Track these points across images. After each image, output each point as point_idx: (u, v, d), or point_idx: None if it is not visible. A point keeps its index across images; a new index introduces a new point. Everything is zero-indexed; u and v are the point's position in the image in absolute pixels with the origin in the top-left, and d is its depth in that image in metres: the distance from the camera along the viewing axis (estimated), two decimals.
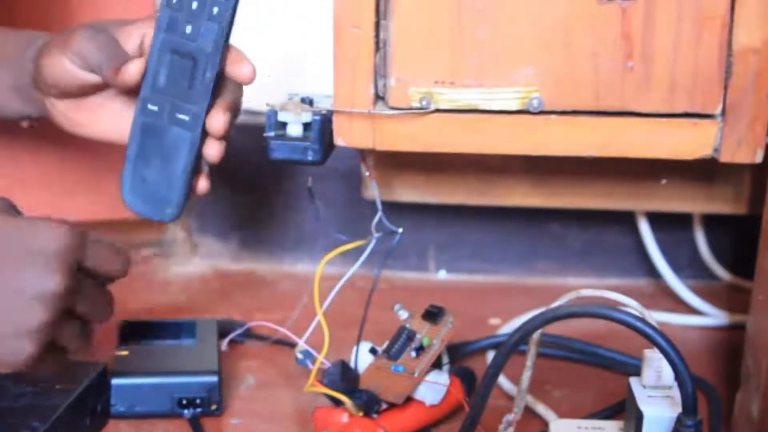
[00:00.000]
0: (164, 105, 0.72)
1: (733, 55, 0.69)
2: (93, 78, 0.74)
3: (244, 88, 0.75)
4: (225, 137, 0.73)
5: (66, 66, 0.73)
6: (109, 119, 0.77)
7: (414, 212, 1.07)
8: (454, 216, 1.09)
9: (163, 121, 0.72)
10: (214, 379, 0.82)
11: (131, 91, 0.74)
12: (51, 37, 0.77)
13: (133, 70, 0.71)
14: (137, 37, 0.74)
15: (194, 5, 0.71)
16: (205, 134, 0.73)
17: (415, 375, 0.78)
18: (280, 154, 0.74)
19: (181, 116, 0.72)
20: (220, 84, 0.73)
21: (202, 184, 0.75)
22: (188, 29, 0.71)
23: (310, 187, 0.79)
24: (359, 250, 0.78)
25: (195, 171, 0.74)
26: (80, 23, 0.76)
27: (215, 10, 0.71)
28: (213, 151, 0.73)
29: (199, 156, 0.73)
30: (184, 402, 0.82)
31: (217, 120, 0.72)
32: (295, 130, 0.74)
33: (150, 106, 0.72)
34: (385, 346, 0.80)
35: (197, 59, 0.71)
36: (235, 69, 0.72)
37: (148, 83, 0.72)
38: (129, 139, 0.73)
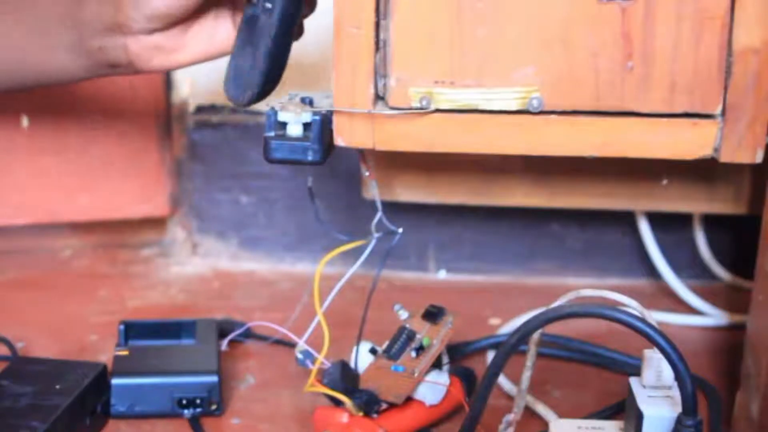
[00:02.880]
0: None
1: (733, 55, 0.69)
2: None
3: None
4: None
5: None
6: (203, 38, 0.80)
7: (414, 212, 1.07)
8: (454, 216, 1.09)
9: (257, 10, 0.75)
10: (214, 379, 0.82)
11: (225, 3, 0.78)
12: None
13: None
14: None
15: None
16: (288, 23, 0.75)
17: (415, 375, 0.78)
18: (280, 154, 0.74)
19: (268, 4, 0.75)
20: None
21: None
22: None
23: (310, 187, 0.79)
24: (359, 250, 0.78)
25: (275, 56, 0.76)
26: None
27: None
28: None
29: (279, 42, 0.75)
30: (184, 402, 0.82)
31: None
32: (295, 130, 0.74)
33: None
34: (385, 346, 0.80)
35: None
36: None
37: None
38: (237, 33, 0.77)
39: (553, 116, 0.71)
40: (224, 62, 0.77)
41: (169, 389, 0.82)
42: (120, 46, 0.79)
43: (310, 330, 0.78)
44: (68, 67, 0.82)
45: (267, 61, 0.75)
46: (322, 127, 0.73)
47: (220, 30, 0.80)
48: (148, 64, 0.80)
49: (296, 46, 0.81)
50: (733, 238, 1.06)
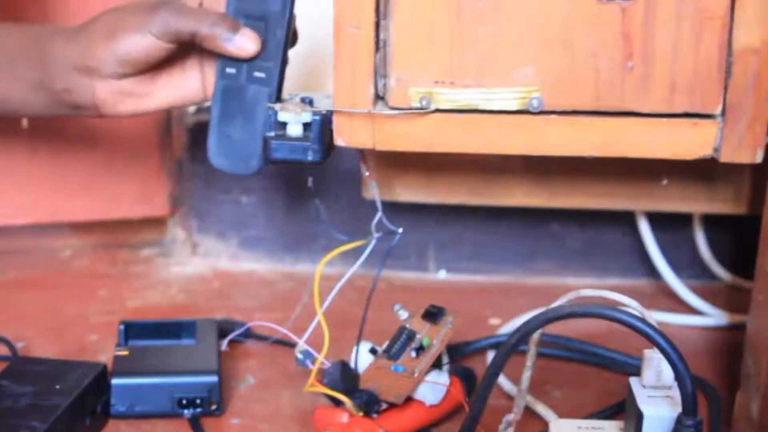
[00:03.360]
0: (241, 66, 0.77)
1: (733, 55, 0.69)
2: (172, 48, 0.77)
3: None
4: None
5: (146, 42, 0.76)
6: (171, 86, 0.80)
7: (414, 212, 1.07)
8: (454, 216, 1.09)
9: (241, 81, 0.77)
10: (214, 379, 0.82)
11: (193, 53, 0.79)
12: (90, 24, 0.78)
13: (251, 46, 0.76)
14: None
15: None
16: (280, 86, 0.77)
17: (415, 375, 0.78)
18: (280, 154, 0.74)
19: (258, 74, 0.77)
20: (290, 40, 0.78)
21: None
22: None
23: (310, 187, 0.79)
24: (359, 250, 0.78)
25: None
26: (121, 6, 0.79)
27: None
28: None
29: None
30: (184, 402, 0.82)
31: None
32: (295, 130, 0.74)
33: (228, 70, 0.77)
34: (385, 346, 0.80)
35: (268, 21, 0.76)
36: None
37: None
38: (212, 104, 0.78)
39: (553, 116, 0.71)
40: None
41: (169, 389, 0.82)
42: (87, 88, 0.79)
43: (310, 330, 0.78)
44: (31, 102, 0.82)
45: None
46: (322, 127, 0.74)
47: (188, 79, 0.81)
48: (114, 109, 0.80)
49: (297, 46, 0.81)
50: (733, 238, 1.06)
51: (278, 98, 0.77)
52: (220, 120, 0.78)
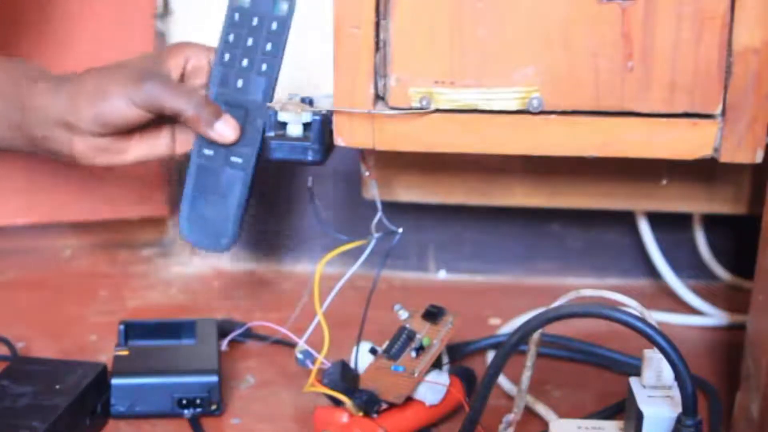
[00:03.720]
0: (219, 149, 0.79)
1: (733, 55, 0.69)
2: (152, 117, 0.80)
3: None
4: None
5: (129, 111, 0.79)
6: (144, 144, 0.82)
7: (414, 212, 1.07)
8: (454, 216, 1.09)
9: (217, 163, 0.80)
10: (214, 379, 0.82)
11: (169, 119, 0.81)
12: (76, 82, 0.80)
13: (231, 134, 0.78)
14: (182, 58, 0.81)
15: (244, 62, 0.79)
16: (255, 171, 0.79)
17: (415, 375, 0.78)
18: (280, 154, 0.75)
19: (235, 159, 0.79)
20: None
21: None
22: (239, 83, 0.79)
23: (310, 187, 0.79)
24: (359, 250, 0.78)
25: (246, 202, 0.80)
26: (119, 62, 0.82)
27: (264, 66, 0.78)
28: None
29: (250, 190, 0.80)
30: (184, 402, 0.82)
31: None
32: (295, 130, 0.74)
33: (206, 151, 0.80)
34: (385, 346, 0.80)
35: (249, 109, 0.79)
36: None
37: None
38: (186, 179, 0.81)
39: (553, 116, 0.71)
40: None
41: (169, 389, 0.82)
42: (65, 140, 0.81)
43: (310, 330, 0.78)
44: (9, 140, 0.83)
45: (242, 210, 0.80)
46: (322, 127, 0.74)
47: (161, 139, 0.83)
48: (90, 161, 0.82)
49: (296, 46, 0.81)
50: (733, 238, 1.06)
51: (251, 184, 0.79)
52: (193, 197, 0.80)
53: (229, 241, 0.80)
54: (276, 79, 0.79)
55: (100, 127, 0.79)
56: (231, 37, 0.79)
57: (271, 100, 0.78)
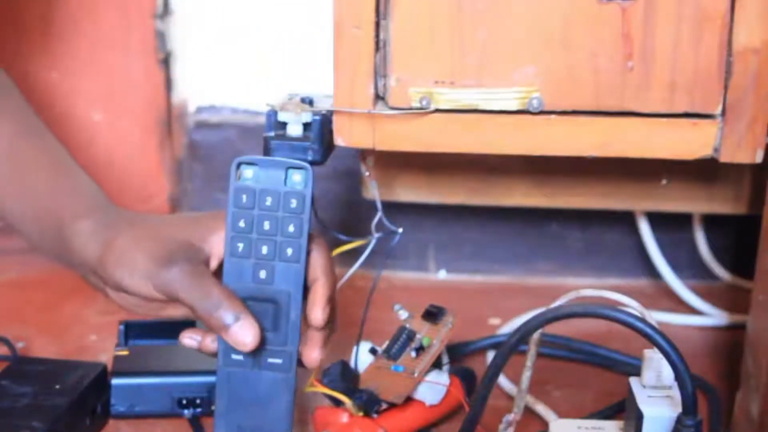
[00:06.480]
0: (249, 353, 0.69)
1: (733, 55, 0.69)
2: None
3: (244, 89, 0.75)
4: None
5: (149, 291, 0.70)
6: (177, 309, 0.74)
7: (414, 212, 1.07)
8: (454, 216, 1.09)
9: (251, 367, 0.69)
10: (214, 379, 0.82)
11: None
12: (109, 238, 0.72)
13: (248, 341, 0.68)
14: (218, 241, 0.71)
15: (264, 250, 0.69)
16: (300, 364, 0.70)
17: (415, 375, 0.78)
18: (280, 154, 0.74)
19: (273, 360, 0.69)
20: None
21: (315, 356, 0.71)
22: (262, 274, 0.69)
23: None
24: (359, 250, 0.78)
25: (293, 405, 0.70)
26: (156, 221, 0.74)
27: (289, 251, 0.69)
28: (311, 364, 0.71)
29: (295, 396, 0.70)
30: (184, 402, 0.82)
31: (314, 358, 0.70)
32: (295, 130, 0.74)
33: (234, 356, 0.69)
34: (385, 346, 0.80)
35: (279, 302, 0.69)
36: (311, 312, 0.69)
37: None
38: (216, 392, 0.71)
39: (553, 116, 0.71)
40: (225, 66, 0.77)
41: (169, 389, 0.82)
42: (100, 288, 0.74)
43: None
44: (47, 250, 0.78)
45: (290, 417, 0.70)
46: (322, 127, 0.74)
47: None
48: (129, 310, 0.75)
49: (296, 46, 0.81)
50: (733, 238, 1.06)
51: (294, 395, 0.69)
52: (228, 412, 0.70)
53: None
54: (306, 263, 0.69)
55: (126, 294, 0.72)
56: (241, 223, 0.68)
57: (303, 289, 0.69)
